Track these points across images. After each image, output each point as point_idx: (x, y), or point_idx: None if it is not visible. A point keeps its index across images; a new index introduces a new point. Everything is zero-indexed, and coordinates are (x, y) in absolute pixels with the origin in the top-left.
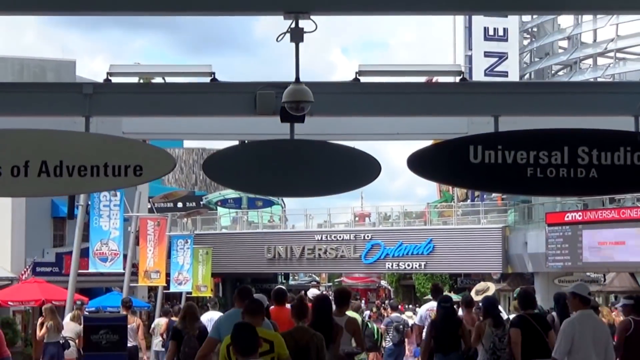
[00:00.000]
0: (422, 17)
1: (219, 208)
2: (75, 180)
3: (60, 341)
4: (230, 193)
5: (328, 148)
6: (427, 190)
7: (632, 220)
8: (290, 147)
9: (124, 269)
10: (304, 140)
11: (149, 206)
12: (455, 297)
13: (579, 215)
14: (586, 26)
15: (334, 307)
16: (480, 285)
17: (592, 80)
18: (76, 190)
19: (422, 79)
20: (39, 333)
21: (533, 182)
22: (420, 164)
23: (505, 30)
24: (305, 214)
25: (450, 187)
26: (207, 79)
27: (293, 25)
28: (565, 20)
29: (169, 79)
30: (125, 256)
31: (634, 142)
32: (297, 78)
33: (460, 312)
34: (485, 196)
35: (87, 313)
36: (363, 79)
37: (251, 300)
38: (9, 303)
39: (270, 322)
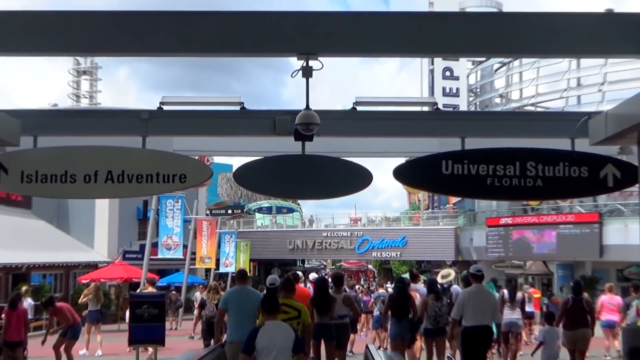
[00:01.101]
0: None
1: (256, 214)
2: (134, 185)
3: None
4: (264, 203)
5: (332, 161)
6: (400, 202)
7: (546, 224)
8: (302, 160)
9: (183, 255)
10: (313, 155)
11: (207, 212)
12: (422, 277)
13: (510, 220)
14: (515, 86)
15: (332, 287)
16: (445, 271)
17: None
18: (134, 194)
19: (405, 108)
20: (81, 299)
21: (492, 189)
22: (403, 174)
23: (457, 89)
24: (316, 218)
25: (418, 198)
26: (237, 107)
27: (304, 64)
28: (499, 82)
29: (207, 107)
30: (185, 246)
31: (571, 158)
32: (307, 105)
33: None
34: (441, 206)
35: (147, 290)
36: (359, 108)
37: (285, 280)
38: (101, 280)
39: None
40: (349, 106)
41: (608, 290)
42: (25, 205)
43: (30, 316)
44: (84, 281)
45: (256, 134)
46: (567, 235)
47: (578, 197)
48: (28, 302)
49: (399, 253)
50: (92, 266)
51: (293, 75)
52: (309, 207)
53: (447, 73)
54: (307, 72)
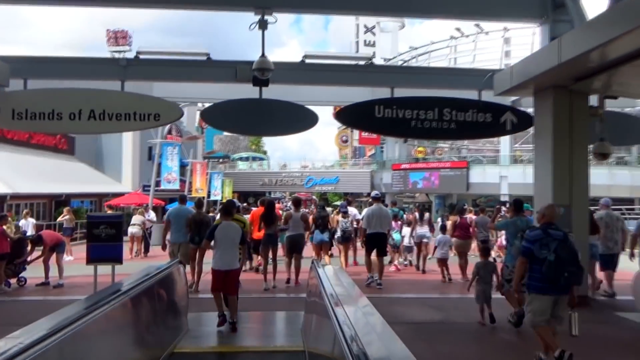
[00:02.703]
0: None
1: (238, 161)
2: (114, 123)
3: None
4: (243, 154)
5: (284, 104)
6: (334, 156)
7: (431, 168)
8: (259, 103)
9: (180, 187)
10: (269, 99)
11: (203, 157)
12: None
13: (408, 165)
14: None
15: (293, 207)
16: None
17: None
18: (114, 130)
19: (346, 62)
20: (59, 219)
21: (415, 130)
22: (343, 116)
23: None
24: (277, 164)
25: (346, 153)
26: (204, 58)
27: (261, 18)
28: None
29: (176, 57)
30: (182, 180)
31: (478, 106)
32: (263, 54)
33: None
34: (361, 157)
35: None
36: (308, 60)
37: (225, 206)
38: (120, 204)
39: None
40: (299, 59)
41: (481, 212)
42: (69, 152)
43: (30, 232)
44: (107, 205)
45: (220, 81)
46: (445, 176)
47: (483, 138)
48: (31, 221)
49: (333, 187)
50: (118, 195)
51: (251, 27)
52: (274, 158)
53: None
54: (263, 24)
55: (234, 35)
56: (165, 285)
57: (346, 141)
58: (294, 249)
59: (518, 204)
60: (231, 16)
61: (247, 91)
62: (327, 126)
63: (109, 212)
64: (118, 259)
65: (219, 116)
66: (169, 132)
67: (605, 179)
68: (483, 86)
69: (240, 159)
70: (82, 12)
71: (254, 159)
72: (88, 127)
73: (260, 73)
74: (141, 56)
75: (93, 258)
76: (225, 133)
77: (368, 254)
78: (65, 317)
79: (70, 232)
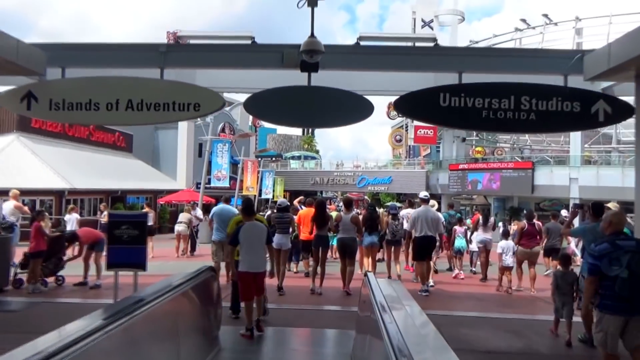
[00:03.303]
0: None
1: (290, 160)
2: (152, 113)
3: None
4: (295, 153)
5: (336, 92)
6: (387, 156)
7: (492, 169)
8: (308, 91)
9: (230, 185)
10: (318, 86)
11: (255, 156)
12: (399, 204)
13: (466, 166)
14: None
15: (343, 208)
16: (430, 202)
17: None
18: (152, 121)
19: (408, 44)
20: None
21: (487, 121)
22: (403, 105)
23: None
24: (329, 163)
25: (399, 152)
26: (249, 42)
27: None
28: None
29: (219, 41)
30: (231, 178)
31: (564, 94)
32: (312, 34)
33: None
34: (416, 157)
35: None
36: (362, 43)
37: (246, 206)
38: (172, 201)
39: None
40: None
41: (553, 218)
42: (127, 149)
43: (71, 228)
44: (160, 202)
45: (265, 67)
46: (508, 177)
47: (569, 131)
48: (74, 217)
49: (386, 187)
50: (173, 192)
51: (299, 5)
52: (326, 157)
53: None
54: (312, 1)
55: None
56: (191, 297)
57: (400, 140)
58: (345, 253)
59: (597, 208)
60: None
61: (295, 79)
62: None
63: (146, 210)
64: (141, 265)
65: (263, 106)
66: (222, 130)
67: None
68: (570, 70)
69: (293, 157)
70: (146, 16)
71: (306, 157)
72: (125, 117)
73: (309, 56)
74: (181, 41)
75: (113, 263)
76: (279, 132)
77: (419, 260)
78: (67, 335)
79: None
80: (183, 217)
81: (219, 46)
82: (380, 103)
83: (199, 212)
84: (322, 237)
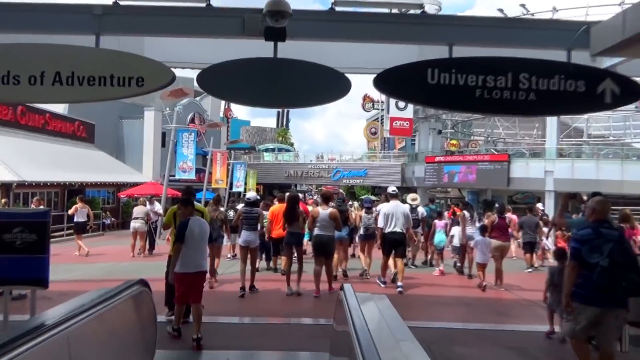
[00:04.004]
0: None
1: (263, 152)
2: (85, 89)
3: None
4: (269, 145)
5: (306, 66)
6: (362, 150)
7: (469, 161)
8: (273, 64)
9: (196, 178)
10: (285, 59)
11: (225, 147)
12: (374, 198)
13: (443, 158)
14: None
15: (320, 203)
16: (412, 195)
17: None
18: (85, 98)
19: (386, 10)
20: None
21: (481, 102)
22: (385, 82)
23: None
24: (303, 155)
25: (374, 145)
26: (203, 4)
27: None
28: None
29: (168, 3)
30: (199, 170)
31: (567, 71)
32: None
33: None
34: (391, 150)
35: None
36: (338, 8)
37: (185, 199)
38: (135, 195)
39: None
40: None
41: (529, 211)
42: (89, 140)
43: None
44: (122, 196)
45: (223, 34)
46: (484, 169)
47: (572, 114)
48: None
49: (361, 180)
50: (137, 185)
51: None
52: (300, 151)
53: None
54: None
55: None
56: (111, 322)
57: (375, 133)
58: (323, 252)
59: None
60: None
61: (259, 50)
62: (356, 119)
63: (79, 204)
64: (41, 281)
65: (220, 80)
66: (192, 120)
67: None
68: (574, 44)
69: (267, 150)
70: None
71: (280, 150)
72: (52, 94)
73: (274, 19)
74: (121, 2)
75: (1, 278)
76: (252, 124)
77: (385, 256)
78: None
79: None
80: (139, 211)
81: (167, 9)
82: (356, 95)
83: (157, 207)
84: (293, 234)
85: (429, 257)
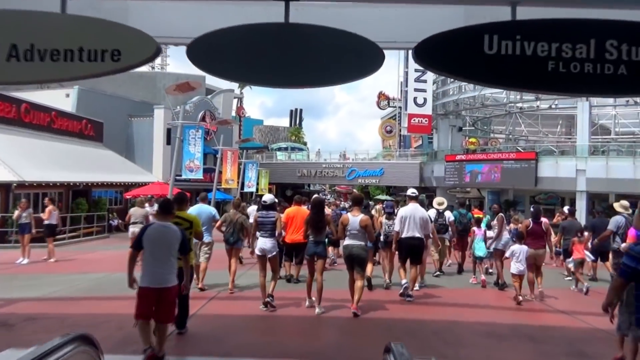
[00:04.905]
0: None
1: (276, 152)
2: (48, 65)
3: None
4: (282, 144)
5: (326, 32)
6: (377, 148)
7: (492, 160)
8: (284, 30)
9: (204, 177)
10: (300, 23)
11: (237, 144)
12: (390, 198)
13: (465, 157)
14: None
15: (351, 208)
16: (439, 199)
17: None
18: (48, 78)
19: None
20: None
21: (554, 78)
22: (428, 53)
23: None
24: (317, 153)
25: (389, 144)
26: None
27: None
28: None
29: None
30: (208, 169)
31: None
32: None
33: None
34: (408, 148)
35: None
36: None
37: (178, 195)
38: (140, 195)
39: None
40: None
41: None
42: (97, 139)
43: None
44: (127, 196)
45: None
46: (509, 168)
47: None
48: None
49: (377, 180)
50: (145, 185)
51: None
52: (313, 151)
53: None
54: None
55: None
56: None
57: (391, 131)
58: (354, 263)
59: None
60: None
61: (266, 15)
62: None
63: (49, 206)
64: None
65: (217, 53)
66: (202, 119)
67: None
68: None
69: (279, 149)
70: None
71: (293, 149)
72: (6, 72)
73: None
74: None
75: None
76: (265, 123)
77: (402, 262)
78: None
79: (28, 229)
80: (137, 214)
81: None
82: (370, 94)
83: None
84: (318, 244)
85: (462, 263)
